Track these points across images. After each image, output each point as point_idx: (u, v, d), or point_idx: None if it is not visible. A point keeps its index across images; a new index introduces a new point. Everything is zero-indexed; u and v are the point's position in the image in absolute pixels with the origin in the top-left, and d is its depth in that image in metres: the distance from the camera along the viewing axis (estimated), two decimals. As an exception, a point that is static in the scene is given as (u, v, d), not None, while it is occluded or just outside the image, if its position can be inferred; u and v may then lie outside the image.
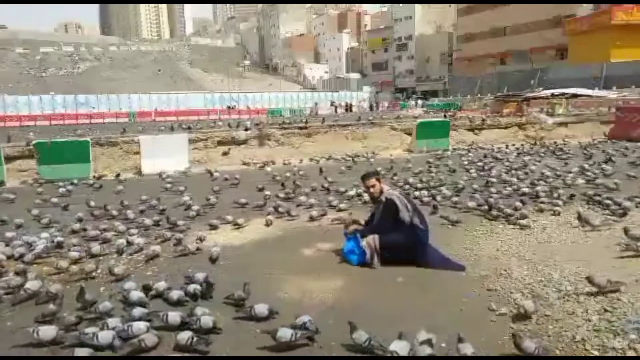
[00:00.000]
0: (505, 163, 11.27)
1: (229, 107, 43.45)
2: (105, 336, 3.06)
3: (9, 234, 5.69)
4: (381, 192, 4.73)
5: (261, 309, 3.44)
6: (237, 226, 6.16)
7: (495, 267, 4.41)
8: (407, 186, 8.43)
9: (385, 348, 2.88)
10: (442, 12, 72.67)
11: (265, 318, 3.42)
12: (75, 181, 10.13)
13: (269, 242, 5.60)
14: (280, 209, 6.77)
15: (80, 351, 2.96)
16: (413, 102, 47.07)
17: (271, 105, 46.86)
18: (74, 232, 5.93)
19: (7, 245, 5.30)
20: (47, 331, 3.14)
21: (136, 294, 3.74)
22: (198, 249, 5.15)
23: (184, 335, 3.07)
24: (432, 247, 4.68)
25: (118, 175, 10.96)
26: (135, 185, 9.89)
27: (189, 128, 17.62)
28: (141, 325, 3.20)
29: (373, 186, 4.77)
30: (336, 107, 44.75)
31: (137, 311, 3.46)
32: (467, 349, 2.78)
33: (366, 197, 7.33)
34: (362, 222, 5.05)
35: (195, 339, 3.05)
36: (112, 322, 3.28)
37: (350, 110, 42.54)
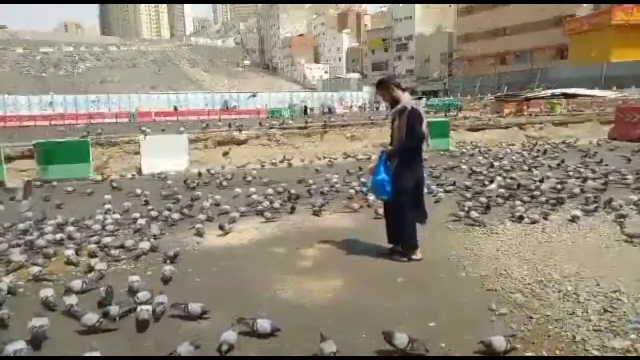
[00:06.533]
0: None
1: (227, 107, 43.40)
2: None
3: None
4: (398, 100, 4.70)
5: (264, 324, 3.22)
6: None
7: (495, 267, 4.40)
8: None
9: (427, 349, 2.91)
10: (442, 12, 72.70)
11: (268, 335, 3.22)
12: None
13: (267, 242, 5.58)
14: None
15: (90, 352, 2.93)
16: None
17: (271, 105, 46.93)
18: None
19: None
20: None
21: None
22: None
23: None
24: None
25: (106, 178, 10.85)
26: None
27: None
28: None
29: (389, 89, 4.77)
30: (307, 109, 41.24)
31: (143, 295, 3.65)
32: (330, 348, 2.86)
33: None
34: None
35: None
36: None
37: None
